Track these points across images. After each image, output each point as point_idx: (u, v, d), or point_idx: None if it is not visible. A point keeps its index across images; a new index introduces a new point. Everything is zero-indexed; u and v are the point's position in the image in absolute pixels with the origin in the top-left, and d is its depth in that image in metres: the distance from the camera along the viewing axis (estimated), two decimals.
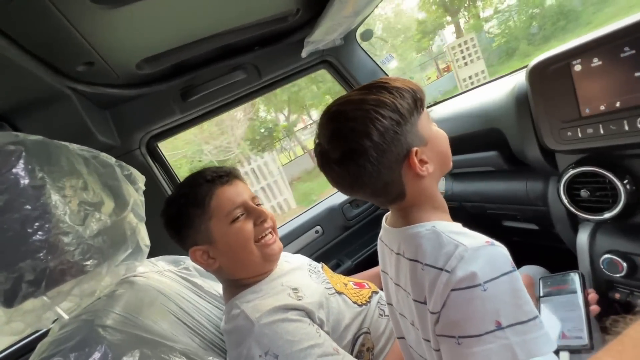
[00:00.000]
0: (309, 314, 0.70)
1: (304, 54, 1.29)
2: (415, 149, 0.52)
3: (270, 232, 0.80)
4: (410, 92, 0.53)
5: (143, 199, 0.85)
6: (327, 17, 1.08)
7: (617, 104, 0.60)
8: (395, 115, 0.50)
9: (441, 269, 0.46)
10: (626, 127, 0.60)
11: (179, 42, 0.97)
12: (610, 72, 0.60)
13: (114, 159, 0.81)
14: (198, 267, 0.99)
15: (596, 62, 0.61)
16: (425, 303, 0.50)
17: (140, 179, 0.88)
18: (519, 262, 1.04)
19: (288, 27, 1.19)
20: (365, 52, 1.48)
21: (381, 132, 0.49)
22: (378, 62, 1.53)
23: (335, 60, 1.43)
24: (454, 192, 1.26)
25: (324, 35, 1.23)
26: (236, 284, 0.78)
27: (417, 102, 0.53)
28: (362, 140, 0.49)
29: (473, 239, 0.47)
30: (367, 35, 1.39)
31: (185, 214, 0.74)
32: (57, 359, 0.46)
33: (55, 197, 0.58)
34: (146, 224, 0.84)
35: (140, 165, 1.18)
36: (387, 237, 0.64)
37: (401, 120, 0.50)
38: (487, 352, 0.42)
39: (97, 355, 0.45)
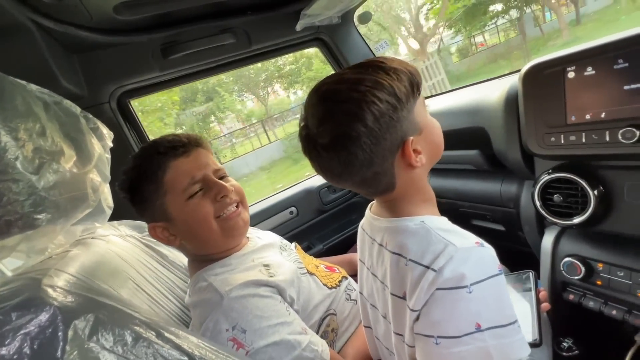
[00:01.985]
0: (280, 292, 0.68)
1: (298, 27, 1.23)
2: (411, 138, 0.48)
3: (236, 206, 0.74)
4: (408, 75, 0.48)
5: (109, 156, 0.78)
6: None
7: (602, 115, 0.62)
8: (392, 99, 0.46)
9: (427, 267, 0.45)
10: (607, 138, 0.62)
11: None
12: (601, 83, 0.61)
13: (79, 109, 0.73)
14: None
15: (589, 70, 0.62)
16: (404, 298, 0.49)
17: (109, 136, 0.81)
18: None
19: None
20: (361, 35, 1.44)
21: (377, 117, 0.45)
22: (372, 48, 1.50)
23: (329, 39, 1.39)
24: (431, 186, 1.28)
25: (322, 9, 1.17)
26: (203, 258, 0.74)
27: (414, 85, 0.49)
28: (355, 124, 0.45)
29: (463, 239, 0.46)
30: (366, 17, 1.35)
31: (138, 189, 0.68)
32: None
33: (5, 139, 0.51)
34: (111, 185, 0.77)
35: (109, 120, 1.08)
36: (370, 226, 0.61)
37: (398, 105, 0.46)
38: (464, 354, 0.42)
39: (44, 316, 0.40)
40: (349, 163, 0.47)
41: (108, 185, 0.77)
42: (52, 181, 0.56)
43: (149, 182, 0.67)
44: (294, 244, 0.93)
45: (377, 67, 0.48)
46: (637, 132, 0.57)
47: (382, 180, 0.51)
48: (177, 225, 0.69)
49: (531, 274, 0.71)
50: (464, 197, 1.17)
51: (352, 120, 0.45)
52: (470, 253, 0.44)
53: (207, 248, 0.73)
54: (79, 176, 0.65)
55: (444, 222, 0.51)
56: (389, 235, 0.54)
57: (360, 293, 0.68)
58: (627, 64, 0.57)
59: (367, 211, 0.64)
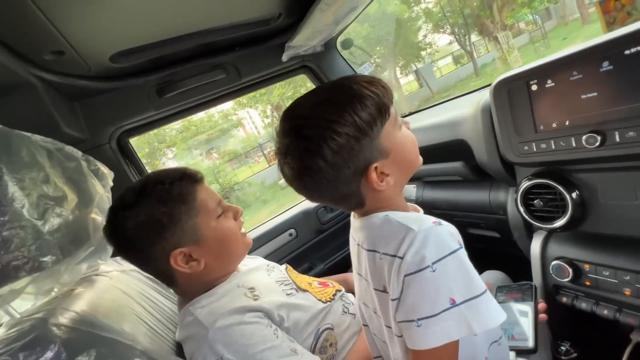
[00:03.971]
0: (267, 314, 0.69)
1: (284, 58, 1.31)
2: (374, 165, 0.50)
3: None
4: (375, 99, 0.49)
5: (110, 195, 0.83)
6: (308, 23, 1.10)
7: (567, 123, 0.66)
8: (352, 130, 0.47)
9: (394, 256, 0.47)
10: (573, 144, 0.65)
11: (158, 37, 0.95)
12: (561, 93, 0.65)
13: (80, 153, 0.78)
14: None
15: (550, 83, 0.67)
16: (385, 291, 0.51)
17: (109, 175, 0.86)
18: (482, 268, 1.10)
19: (270, 31, 1.20)
20: (345, 60, 1.52)
21: (336, 151, 0.47)
22: (357, 70, 1.57)
23: (315, 66, 1.46)
24: (425, 199, 1.31)
25: (305, 40, 1.25)
26: (195, 291, 0.74)
27: (382, 108, 0.50)
28: (315, 159, 0.48)
29: (420, 222, 0.48)
30: (347, 44, 1.43)
31: (166, 213, 0.66)
32: (4, 358, 0.44)
33: (12, 189, 0.55)
34: None
35: (110, 160, 1.14)
36: (353, 228, 0.65)
37: (360, 135, 0.48)
38: (446, 330, 0.44)
39: (49, 354, 0.43)
40: (315, 189, 0.52)
41: None
42: (56, 225, 0.60)
43: (181, 202, 0.67)
44: (285, 265, 0.95)
45: (342, 92, 0.49)
46: (598, 138, 0.60)
47: (350, 201, 0.55)
48: (207, 245, 0.70)
49: (532, 287, 0.73)
50: (456, 207, 1.19)
51: (312, 156, 0.48)
52: (427, 233, 0.46)
53: (228, 266, 0.77)
54: (81, 217, 0.70)
55: (407, 212, 0.54)
56: (362, 233, 0.57)
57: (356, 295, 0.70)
58: (581, 75, 0.62)
59: (351, 215, 0.67)
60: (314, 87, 0.78)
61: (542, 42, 12.37)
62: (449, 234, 0.47)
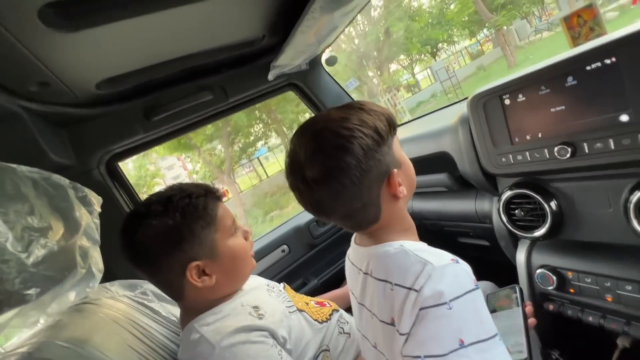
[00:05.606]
0: (272, 334, 0.69)
1: (270, 77, 1.33)
2: (395, 170, 0.53)
3: None
4: (385, 116, 0.54)
5: (98, 221, 0.83)
6: (292, 44, 1.13)
7: (539, 135, 0.68)
8: (375, 135, 0.51)
9: (410, 288, 0.46)
10: (547, 155, 0.68)
11: (143, 64, 0.97)
12: (532, 107, 0.68)
13: (67, 181, 0.79)
14: (156, 291, 0.96)
15: (521, 97, 0.69)
16: (393, 324, 0.50)
17: (97, 201, 0.86)
18: (475, 277, 1.10)
19: (254, 51, 1.23)
20: (331, 76, 1.55)
21: (364, 150, 0.49)
22: (343, 86, 1.60)
23: (301, 84, 1.49)
24: (414, 210, 1.32)
25: (289, 60, 1.28)
26: (200, 308, 0.75)
27: (391, 125, 0.55)
28: (345, 156, 0.48)
29: (439, 257, 0.48)
30: (332, 61, 1.47)
31: (189, 225, 0.68)
32: None
33: None
34: (103, 247, 0.81)
35: (99, 185, 1.14)
36: (355, 255, 0.64)
37: (381, 140, 0.51)
38: None
39: None
40: (339, 194, 0.50)
41: (98, 248, 0.81)
42: (40, 256, 0.60)
43: (203, 218, 0.69)
44: (282, 284, 0.95)
45: (359, 108, 0.53)
46: (569, 149, 0.63)
47: (369, 211, 0.54)
48: (221, 261, 0.72)
49: (517, 288, 0.73)
50: (445, 217, 1.21)
51: (343, 153, 0.49)
52: (446, 270, 0.46)
53: (235, 283, 0.79)
54: (67, 247, 0.70)
55: (421, 244, 0.54)
56: (372, 262, 0.56)
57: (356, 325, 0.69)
58: (548, 90, 0.64)
59: (352, 241, 0.67)
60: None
61: (454, 92, 12.66)
62: (466, 274, 0.47)
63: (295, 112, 10.03)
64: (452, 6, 14.05)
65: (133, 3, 0.67)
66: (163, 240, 0.67)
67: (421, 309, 0.45)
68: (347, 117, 0.51)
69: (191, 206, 0.69)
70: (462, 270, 0.47)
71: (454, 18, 13.54)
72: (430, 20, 13.88)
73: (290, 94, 1.53)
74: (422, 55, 15.57)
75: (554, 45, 10.87)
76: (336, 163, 0.49)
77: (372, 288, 0.55)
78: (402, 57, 15.48)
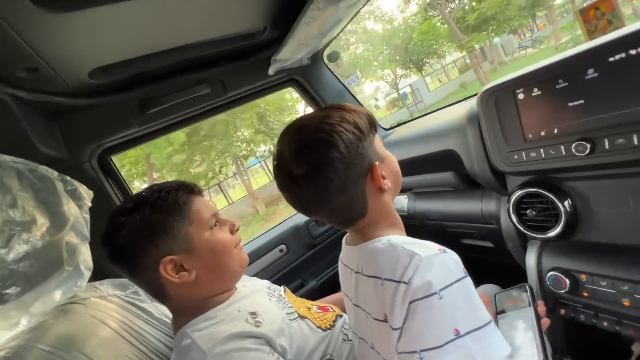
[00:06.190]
0: (268, 341, 0.65)
1: (271, 72, 1.30)
2: (377, 162, 0.55)
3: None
4: (365, 115, 0.57)
5: (88, 216, 0.78)
6: (294, 36, 1.09)
7: (555, 131, 0.65)
8: (356, 130, 0.53)
9: (399, 281, 0.47)
10: (563, 152, 0.65)
11: (139, 53, 0.93)
12: (548, 102, 0.65)
13: (55, 173, 0.74)
14: None
15: (536, 91, 0.66)
16: (386, 321, 0.49)
17: (87, 195, 0.81)
18: (477, 279, 1.07)
19: (255, 44, 1.19)
20: (332, 72, 1.51)
21: (347, 144, 0.51)
22: (344, 82, 1.57)
23: (302, 79, 1.45)
24: (416, 210, 1.29)
25: (291, 54, 1.24)
26: (191, 310, 0.71)
27: (372, 123, 0.57)
28: (330, 150, 0.50)
29: (426, 248, 0.49)
30: (334, 56, 1.43)
31: (159, 219, 0.67)
32: None
33: None
34: (94, 244, 0.76)
35: (91, 179, 1.09)
36: (347, 256, 0.64)
37: (362, 135, 0.53)
38: None
39: None
40: (326, 189, 0.52)
41: (87, 245, 0.77)
42: (22, 252, 0.56)
43: (175, 211, 0.68)
44: (282, 287, 0.91)
45: (339, 108, 0.56)
46: (588, 145, 0.59)
47: (356, 206, 0.55)
48: (199, 255, 0.69)
49: (527, 287, 0.69)
50: (449, 218, 1.17)
51: (327, 147, 0.50)
52: (433, 260, 0.46)
53: (220, 281, 0.73)
54: (52, 242, 0.65)
55: (409, 238, 0.54)
56: (362, 259, 0.56)
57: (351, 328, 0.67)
58: (566, 83, 0.61)
59: (343, 242, 0.68)
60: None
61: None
62: (454, 262, 0.47)
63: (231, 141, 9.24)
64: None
65: None
66: (135, 237, 0.65)
67: (412, 301, 0.45)
68: (328, 114, 0.54)
69: (161, 200, 0.68)
70: (450, 259, 0.47)
71: (424, 38, 13.50)
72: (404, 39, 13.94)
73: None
74: (408, 70, 15.65)
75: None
76: (320, 157, 0.51)
77: (364, 286, 0.55)
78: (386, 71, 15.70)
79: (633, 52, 0.53)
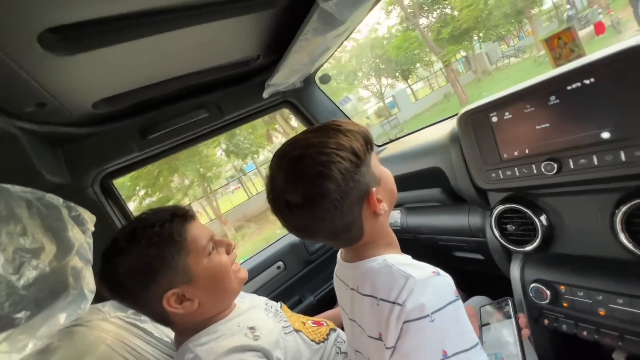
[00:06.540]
0: (266, 354, 0.68)
1: (265, 95, 1.36)
2: (373, 188, 0.54)
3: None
4: (362, 134, 0.55)
5: (91, 240, 0.82)
6: (286, 63, 1.16)
7: (527, 151, 0.70)
8: (353, 157, 0.52)
9: (394, 302, 0.48)
10: (534, 171, 0.69)
11: (139, 84, 0.98)
12: (518, 124, 0.70)
13: (61, 200, 0.78)
14: None
15: (507, 115, 0.72)
16: (380, 339, 0.51)
17: (90, 220, 0.85)
18: (470, 290, 1.10)
19: (250, 70, 1.26)
20: (325, 93, 1.58)
21: (343, 174, 0.50)
22: (337, 102, 1.63)
23: (296, 101, 1.51)
24: (409, 225, 1.33)
25: (284, 79, 1.31)
26: (193, 328, 0.74)
27: (368, 143, 0.56)
28: (326, 183, 0.50)
29: (420, 270, 0.50)
30: (325, 79, 1.50)
31: (157, 256, 0.66)
32: None
33: None
34: (96, 266, 0.80)
35: (93, 203, 1.13)
36: (342, 272, 0.65)
37: (359, 161, 0.52)
38: None
39: None
40: (322, 218, 0.52)
41: (90, 268, 0.80)
42: (32, 278, 0.60)
43: (171, 245, 0.67)
44: (279, 303, 0.94)
45: (335, 130, 0.54)
46: (555, 165, 0.64)
47: (352, 230, 0.55)
48: (199, 283, 0.69)
49: (510, 301, 0.73)
50: (439, 232, 1.21)
51: (322, 180, 0.50)
52: (427, 283, 0.48)
53: (221, 302, 0.76)
54: (59, 267, 0.69)
55: (404, 258, 0.56)
56: (358, 278, 0.57)
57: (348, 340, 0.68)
58: (533, 108, 0.67)
59: (338, 257, 0.68)
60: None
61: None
62: (447, 285, 0.49)
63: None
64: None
65: (131, 27, 0.69)
66: (135, 276, 0.66)
67: (405, 322, 0.46)
68: (325, 141, 0.52)
69: (155, 236, 0.67)
70: (444, 282, 0.49)
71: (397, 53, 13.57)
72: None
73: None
74: (394, 79, 15.76)
75: (517, 75, 10.84)
76: (316, 190, 0.50)
77: (359, 304, 0.56)
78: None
79: (587, 81, 0.58)
